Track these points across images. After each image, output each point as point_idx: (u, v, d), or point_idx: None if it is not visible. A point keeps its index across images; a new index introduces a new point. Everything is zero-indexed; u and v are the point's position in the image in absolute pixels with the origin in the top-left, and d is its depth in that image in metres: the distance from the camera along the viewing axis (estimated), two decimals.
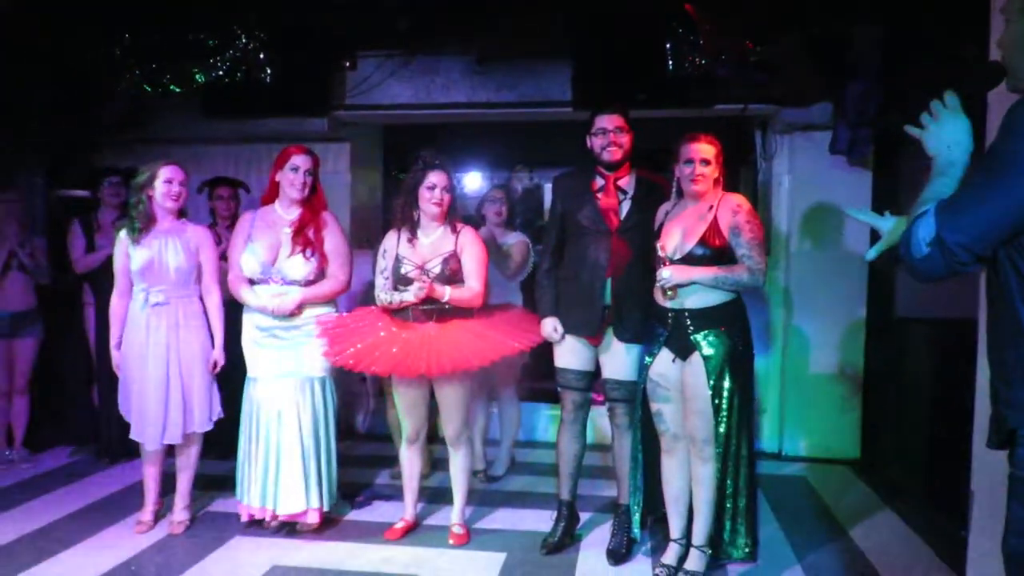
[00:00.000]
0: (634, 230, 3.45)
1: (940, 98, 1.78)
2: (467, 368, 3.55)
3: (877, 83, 4.55)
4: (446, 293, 3.56)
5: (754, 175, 5.78)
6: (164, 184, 3.75)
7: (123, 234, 3.81)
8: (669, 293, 3.17)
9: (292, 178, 3.79)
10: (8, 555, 3.60)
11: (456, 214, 3.76)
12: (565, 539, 3.74)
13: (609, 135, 3.44)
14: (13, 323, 4.82)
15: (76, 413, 5.18)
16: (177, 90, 5.00)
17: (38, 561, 3.52)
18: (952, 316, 3.99)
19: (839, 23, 4.52)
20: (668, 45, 4.52)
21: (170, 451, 3.94)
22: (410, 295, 3.54)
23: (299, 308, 3.76)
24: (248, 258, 3.77)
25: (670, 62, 4.54)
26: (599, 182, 3.52)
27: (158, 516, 3.97)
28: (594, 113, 3.53)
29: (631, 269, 3.44)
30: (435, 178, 3.64)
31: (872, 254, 1.96)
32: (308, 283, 3.79)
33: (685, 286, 3.15)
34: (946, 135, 1.75)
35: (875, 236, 2.03)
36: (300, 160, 3.81)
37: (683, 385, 3.24)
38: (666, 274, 3.14)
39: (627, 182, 3.53)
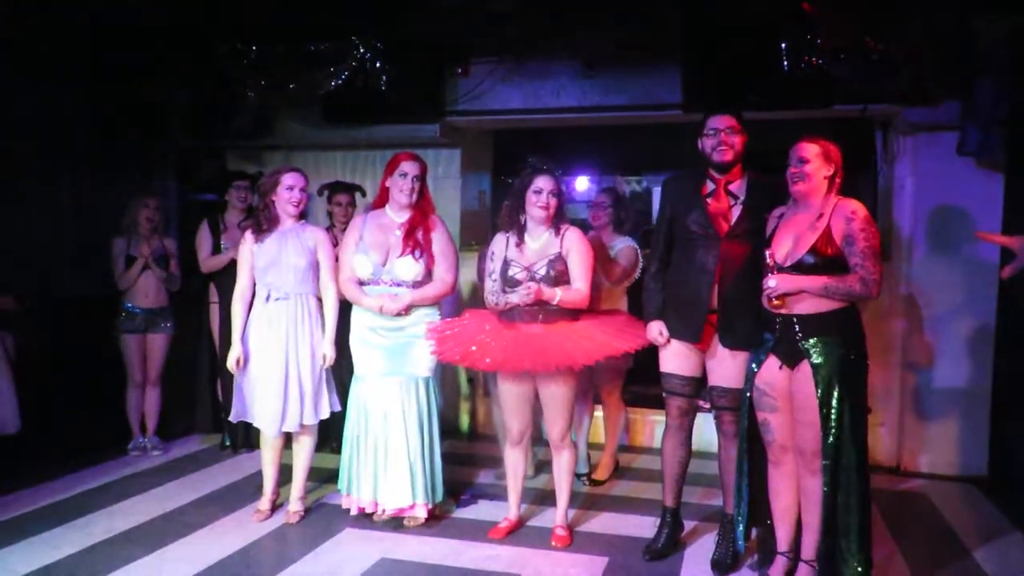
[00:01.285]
0: (744, 235, 3.37)
1: None
2: (572, 366, 3.57)
3: (1010, 79, 4.29)
4: (556, 295, 3.60)
5: (874, 178, 5.55)
6: (286, 190, 3.96)
7: (248, 233, 4.04)
8: (776, 302, 3.09)
9: (401, 184, 3.91)
10: (141, 534, 3.87)
11: (563, 218, 3.78)
12: (669, 546, 3.70)
13: (720, 135, 3.37)
14: (147, 319, 5.15)
15: (202, 405, 5.50)
16: (299, 98, 5.24)
17: (164, 543, 3.75)
18: None
19: (967, 14, 4.28)
20: (783, 44, 4.39)
21: (287, 443, 4.12)
22: (517, 297, 3.59)
23: (406, 309, 3.88)
24: (361, 259, 3.91)
25: (785, 62, 4.41)
26: (710, 186, 3.46)
27: (275, 506, 4.17)
28: (706, 114, 3.47)
29: (740, 275, 3.35)
30: (542, 182, 3.67)
31: (1007, 272, 1.86)
32: (416, 284, 3.90)
33: (793, 295, 3.07)
34: None
35: None
36: (409, 166, 3.93)
37: (791, 394, 3.14)
38: (772, 283, 3.07)
39: (738, 186, 3.45)
